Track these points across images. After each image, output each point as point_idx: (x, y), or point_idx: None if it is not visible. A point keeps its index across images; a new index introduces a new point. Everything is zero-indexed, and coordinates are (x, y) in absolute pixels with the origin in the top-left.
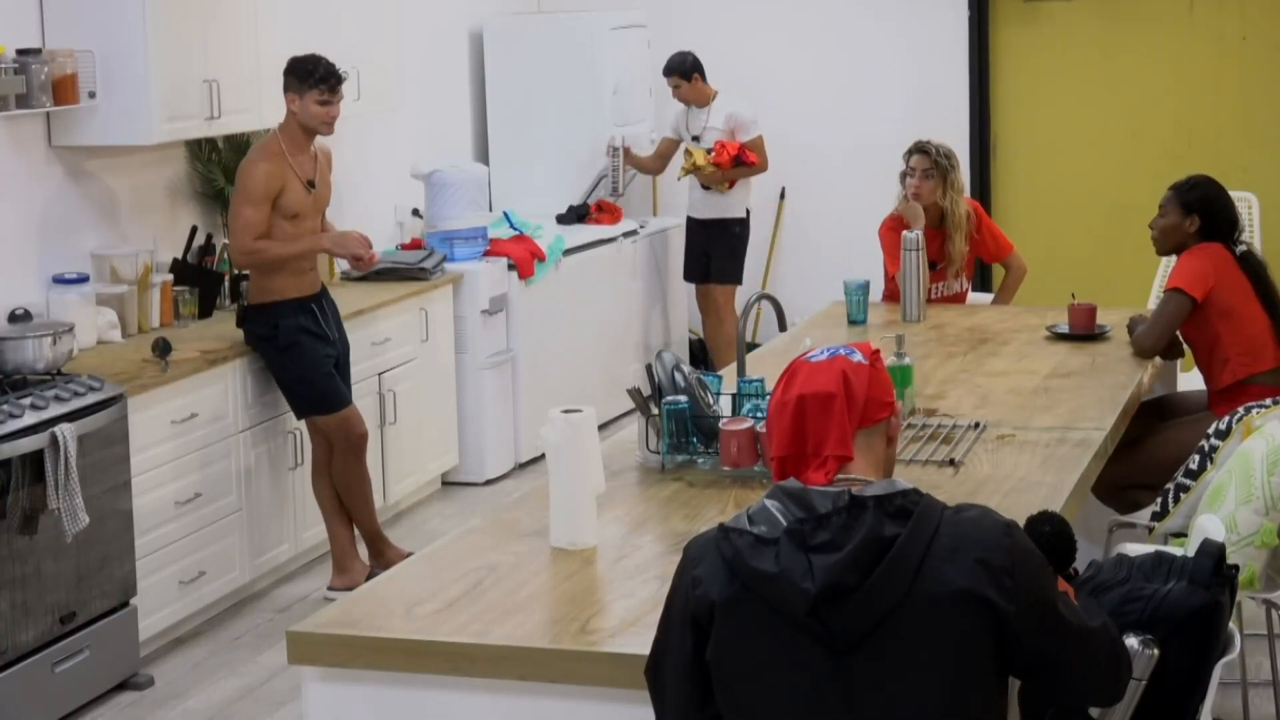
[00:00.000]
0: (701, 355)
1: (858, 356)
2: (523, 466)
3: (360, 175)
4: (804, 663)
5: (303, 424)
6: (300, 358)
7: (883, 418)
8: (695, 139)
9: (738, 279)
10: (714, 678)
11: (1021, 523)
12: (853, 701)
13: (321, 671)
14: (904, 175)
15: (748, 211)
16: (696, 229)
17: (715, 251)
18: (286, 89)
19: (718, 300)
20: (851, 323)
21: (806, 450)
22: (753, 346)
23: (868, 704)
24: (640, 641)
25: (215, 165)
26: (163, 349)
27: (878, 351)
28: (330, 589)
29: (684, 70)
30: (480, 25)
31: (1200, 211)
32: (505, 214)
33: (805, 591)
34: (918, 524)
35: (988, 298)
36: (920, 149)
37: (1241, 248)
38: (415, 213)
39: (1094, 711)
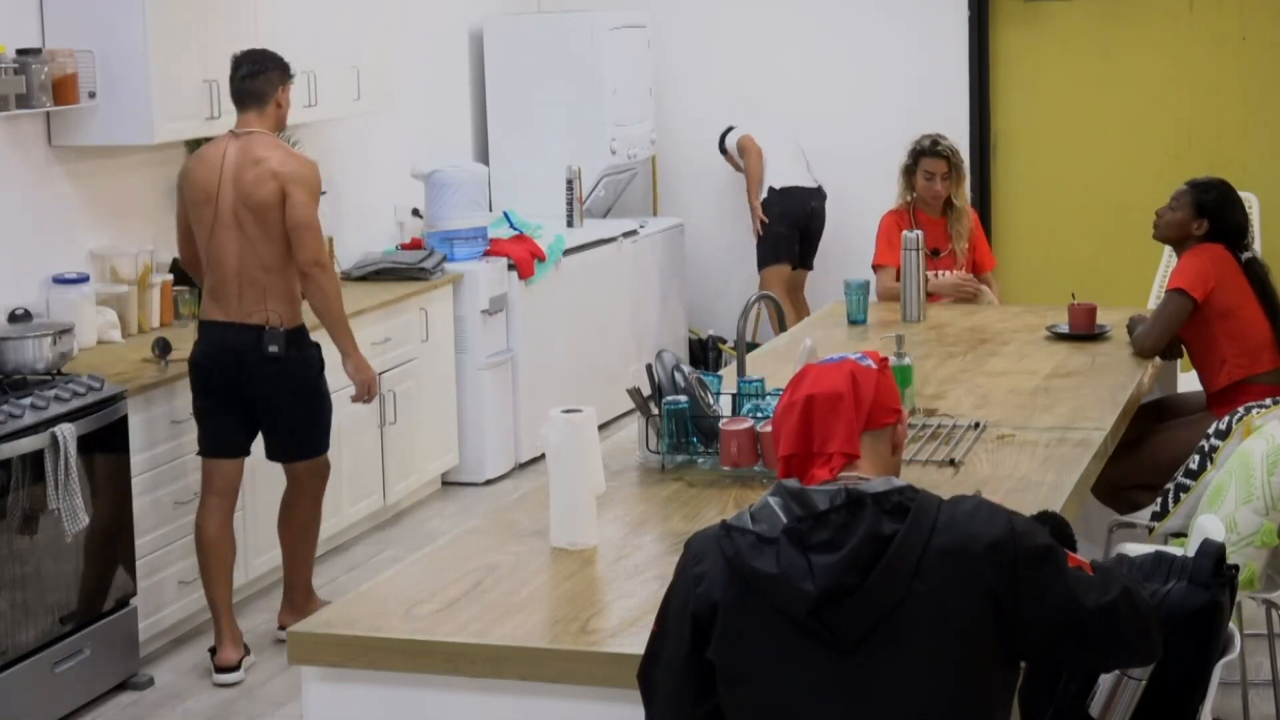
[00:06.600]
0: (701, 355)
1: (867, 362)
2: (523, 466)
3: (360, 175)
4: (806, 663)
5: None
6: None
7: (889, 423)
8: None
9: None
10: (717, 677)
11: None
12: (856, 701)
13: (321, 671)
14: (907, 170)
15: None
16: None
17: None
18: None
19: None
20: (851, 323)
21: (813, 448)
22: (753, 346)
23: (871, 703)
24: (640, 642)
25: None
26: (163, 349)
27: (886, 360)
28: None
29: (720, 147)
30: (480, 25)
31: (1211, 216)
32: (505, 214)
33: (806, 593)
34: (915, 520)
35: None
36: (935, 153)
37: (1247, 254)
38: (415, 213)
39: (1093, 710)
